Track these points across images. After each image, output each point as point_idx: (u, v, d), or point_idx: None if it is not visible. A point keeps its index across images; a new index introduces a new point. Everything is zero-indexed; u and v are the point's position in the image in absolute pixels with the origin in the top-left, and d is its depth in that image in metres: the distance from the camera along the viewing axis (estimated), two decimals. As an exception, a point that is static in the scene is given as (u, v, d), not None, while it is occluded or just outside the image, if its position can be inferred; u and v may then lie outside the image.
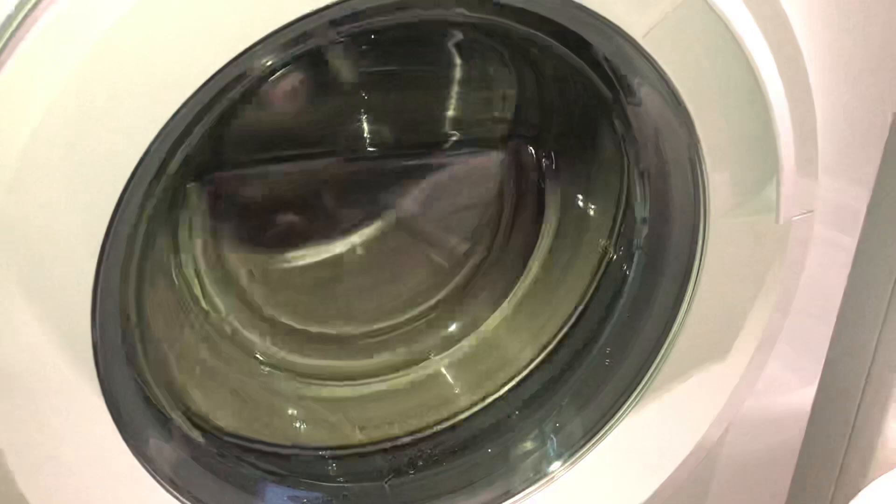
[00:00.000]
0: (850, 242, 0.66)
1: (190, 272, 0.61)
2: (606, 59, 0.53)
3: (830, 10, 0.53)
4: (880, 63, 0.58)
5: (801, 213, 0.57)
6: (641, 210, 0.61)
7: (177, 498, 0.49)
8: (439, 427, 0.66)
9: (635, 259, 0.63)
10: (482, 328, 0.70)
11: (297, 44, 0.45)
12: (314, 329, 0.68)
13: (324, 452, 0.63)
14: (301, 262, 0.66)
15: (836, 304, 0.69)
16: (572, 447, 0.62)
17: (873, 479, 0.66)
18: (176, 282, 0.61)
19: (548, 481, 0.61)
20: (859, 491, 0.64)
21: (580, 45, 0.53)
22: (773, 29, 0.50)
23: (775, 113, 0.52)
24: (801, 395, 0.72)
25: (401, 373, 0.69)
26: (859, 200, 0.64)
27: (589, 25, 0.49)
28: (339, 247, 0.67)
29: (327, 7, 0.41)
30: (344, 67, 0.60)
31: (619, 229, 0.64)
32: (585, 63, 0.55)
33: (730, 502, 0.73)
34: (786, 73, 0.52)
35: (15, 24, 0.37)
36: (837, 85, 0.56)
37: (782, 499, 0.78)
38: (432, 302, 0.70)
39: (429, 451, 0.64)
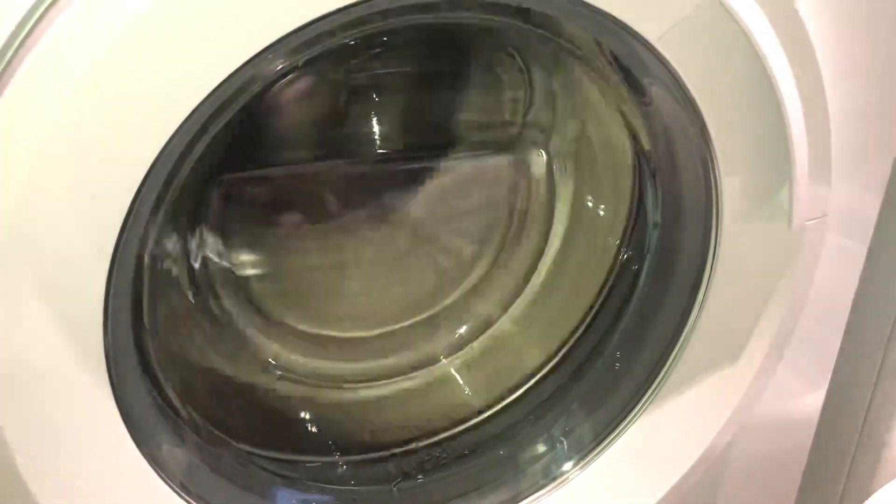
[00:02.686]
0: (861, 248, 0.66)
1: (201, 276, 0.61)
2: (618, 61, 0.53)
3: (846, 15, 0.53)
4: (895, 69, 0.58)
5: (813, 218, 0.57)
6: (653, 213, 0.61)
7: (188, 502, 0.49)
8: (449, 431, 0.66)
9: (646, 262, 0.62)
10: (493, 330, 0.70)
11: (308, 47, 0.45)
12: (324, 332, 0.68)
13: (334, 456, 0.63)
14: (311, 265, 0.66)
15: (846, 309, 0.68)
16: (582, 451, 0.62)
17: (882, 485, 0.66)
18: (187, 286, 0.60)
19: (557, 485, 0.61)
20: (867, 496, 0.63)
21: (592, 48, 0.52)
22: (789, 33, 0.50)
23: (789, 117, 0.52)
24: (811, 400, 0.72)
25: (411, 376, 0.69)
26: (870, 206, 0.64)
27: (602, 27, 0.49)
28: (348, 249, 0.66)
29: (338, 11, 0.40)
30: (354, 70, 0.60)
31: (631, 232, 0.64)
32: (597, 65, 0.55)
33: (738, 506, 0.73)
34: (800, 77, 0.52)
35: (28, 26, 0.37)
36: (851, 90, 0.56)
37: (790, 503, 0.78)
38: (442, 304, 0.70)
39: (438, 455, 0.64)
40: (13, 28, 0.37)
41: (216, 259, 0.61)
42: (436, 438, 0.65)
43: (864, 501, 0.62)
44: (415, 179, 0.66)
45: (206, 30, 0.38)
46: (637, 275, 0.63)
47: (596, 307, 0.66)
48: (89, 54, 0.36)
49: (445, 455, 0.64)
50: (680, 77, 0.49)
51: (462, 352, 0.70)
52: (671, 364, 0.60)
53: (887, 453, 0.73)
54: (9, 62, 0.37)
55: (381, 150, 0.63)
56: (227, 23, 0.38)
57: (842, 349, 0.70)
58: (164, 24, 0.37)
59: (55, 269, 0.39)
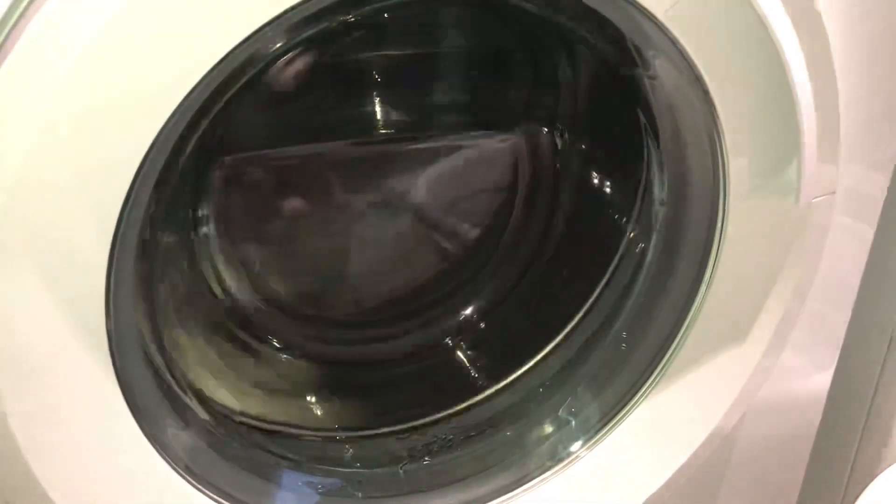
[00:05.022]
0: (868, 229, 0.65)
1: (203, 258, 0.61)
2: (624, 36, 0.52)
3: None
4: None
5: (821, 195, 0.56)
6: (659, 190, 0.60)
7: (193, 485, 0.49)
8: (455, 412, 0.66)
9: (653, 241, 0.62)
10: (498, 311, 0.70)
11: (307, 25, 0.45)
12: (329, 315, 0.68)
13: (340, 438, 0.63)
14: (314, 247, 0.66)
15: (854, 289, 0.68)
16: (589, 431, 0.61)
17: (889, 465, 0.66)
18: (189, 268, 0.60)
19: (564, 466, 0.61)
20: (875, 476, 0.63)
21: (596, 22, 0.52)
22: (799, 9, 0.49)
23: (798, 92, 0.51)
24: (818, 381, 0.72)
25: (417, 357, 0.69)
26: (878, 187, 0.63)
27: (607, 2, 0.48)
28: (351, 231, 0.66)
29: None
30: (355, 49, 0.59)
31: (637, 210, 0.63)
32: (601, 40, 0.54)
33: (745, 486, 0.73)
34: (809, 52, 0.51)
35: (22, 6, 0.36)
36: (860, 67, 0.55)
37: (797, 484, 0.77)
38: (448, 286, 0.70)
39: (444, 437, 0.64)
40: (5, 9, 0.36)
41: (218, 240, 0.61)
42: (442, 420, 0.65)
43: (871, 482, 0.62)
44: (417, 160, 0.65)
45: (203, 7, 0.37)
46: (643, 253, 0.63)
47: (602, 286, 0.65)
48: (85, 35, 0.36)
49: (452, 437, 0.64)
50: (687, 52, 0.49)
51: (468, 333, 0.70)
52: (678, 344, 0.59)
53: (895, 433, 0.73)
54: (1, 45, 0.36)
55: (382, 131, 0.63)
56: (226, 0, 0.38)
57: (849, 330, 0.70)
58: (163, 1, 0.37)
59: (56, 255, 0.39)
